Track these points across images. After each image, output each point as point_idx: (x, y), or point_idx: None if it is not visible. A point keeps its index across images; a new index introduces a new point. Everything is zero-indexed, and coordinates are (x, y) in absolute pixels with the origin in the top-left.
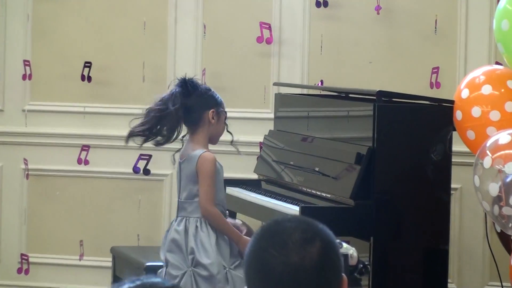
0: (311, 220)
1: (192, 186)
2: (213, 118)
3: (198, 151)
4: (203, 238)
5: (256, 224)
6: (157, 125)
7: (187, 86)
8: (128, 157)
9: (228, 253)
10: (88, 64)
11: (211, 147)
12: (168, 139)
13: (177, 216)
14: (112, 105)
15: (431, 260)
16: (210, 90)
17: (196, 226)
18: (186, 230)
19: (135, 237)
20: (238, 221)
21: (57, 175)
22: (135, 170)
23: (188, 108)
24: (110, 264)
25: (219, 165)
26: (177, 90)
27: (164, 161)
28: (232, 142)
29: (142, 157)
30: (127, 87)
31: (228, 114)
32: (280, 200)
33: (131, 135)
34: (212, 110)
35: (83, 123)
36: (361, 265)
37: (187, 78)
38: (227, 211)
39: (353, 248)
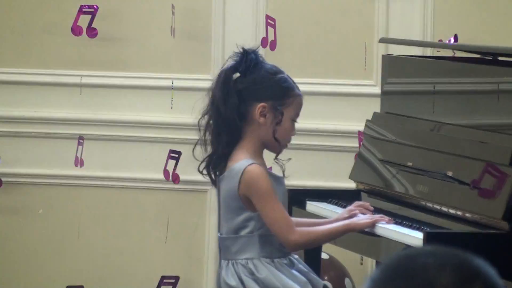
0: (460, 253)
1: (233, 215)
2: (261, 116)
3: (241, 163)
4: (268, 280)
5: (353, 261)
6: (218, 139)
7: (242, 63)
8: (147, 152)
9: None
10: (88, 10)
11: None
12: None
13: (220, 259)
14: (119, 74)
15: None
16: (275, 73)
17: (251, 271)
18: (241, 281)
19: (158, 282)
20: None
21: (36, 182)
22: (166, 175)
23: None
24: None
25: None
26: (226, 70)
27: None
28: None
29: (172, 155)
30: (149, 46)
31: (307, 88)
32: (391, 222)
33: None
34: (261, 104)
35: (80, 103)
36: None
37: (248, 50)
38: None
39: None
